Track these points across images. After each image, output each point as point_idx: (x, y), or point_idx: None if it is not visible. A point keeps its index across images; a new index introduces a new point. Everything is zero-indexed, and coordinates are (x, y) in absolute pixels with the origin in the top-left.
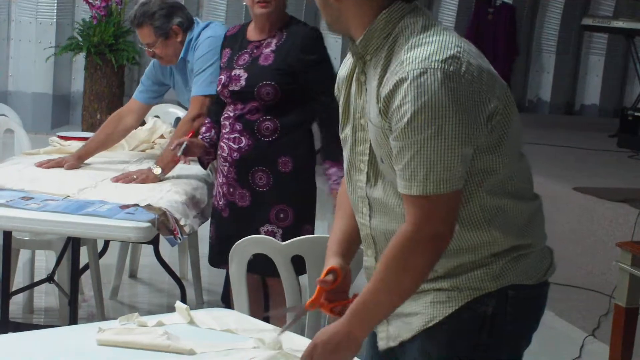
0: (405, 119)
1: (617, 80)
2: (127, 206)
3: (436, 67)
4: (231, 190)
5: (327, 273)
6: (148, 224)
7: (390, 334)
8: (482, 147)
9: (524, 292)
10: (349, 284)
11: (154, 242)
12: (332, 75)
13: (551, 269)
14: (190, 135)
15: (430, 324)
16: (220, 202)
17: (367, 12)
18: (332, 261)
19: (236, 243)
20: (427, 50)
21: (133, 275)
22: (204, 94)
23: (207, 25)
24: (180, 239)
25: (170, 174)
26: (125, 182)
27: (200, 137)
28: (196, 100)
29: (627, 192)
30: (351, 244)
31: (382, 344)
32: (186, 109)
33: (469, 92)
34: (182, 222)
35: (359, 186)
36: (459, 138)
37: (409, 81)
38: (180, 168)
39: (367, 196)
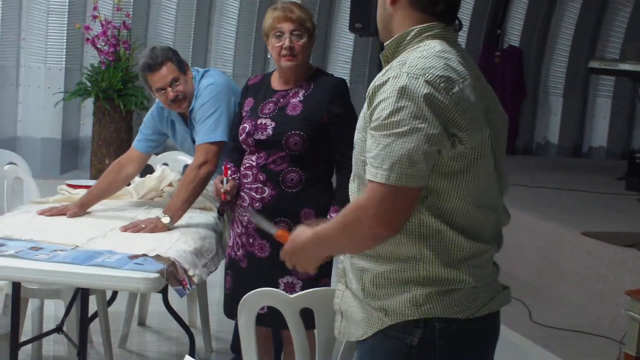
0: (386, 113)
1: (625, 122)
2: (136, 256)
3: (430, 79)
4: (251, 240)
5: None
6: (157, 275)
7: (341, 329)
8: (439, 167)
9: (455, 326)
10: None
11: (163, 290)
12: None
13: (491, 303)
14: (225, 171)
15: (362, 338)
16: (238, 253)
17: (410, 23)
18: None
19: (245, 296)
20: (431, 64)
21: (142, 323)
22: (209, 141)
23: (206, 72)
24: (189, 290)
25: (178, 223)
26: (134, 231)
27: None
28: (202, 148)
29: (636, 237)
30: None
31: (336, 332)
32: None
33: (448, 110)
34: (190, 273)
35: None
36: (428, 141)
37: (401, 80)
38: (189, 217)
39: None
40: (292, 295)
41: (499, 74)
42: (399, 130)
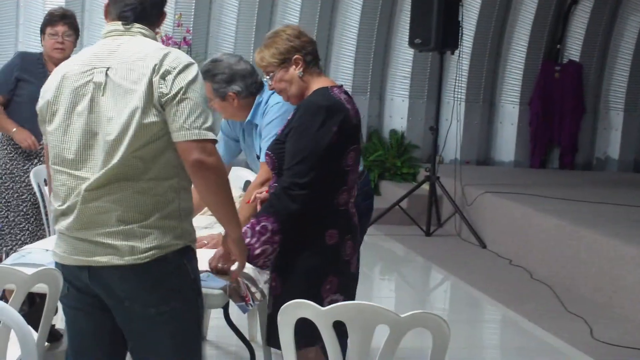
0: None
1: None
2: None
3: None
4: None
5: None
6: (220, 291)
7: None
8: None
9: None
10: None
11: (224, 305)
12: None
13: None
14: (267, 192)
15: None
16: None
17: None
18: None
19: (282, 307)
20: None
21: (202, 337)
22: None
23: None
24: (251, 306)
25: None
26: (197, 247)
27: None
28: (266, 165)
29: None
30: None
31: None
32: (255, 171)
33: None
34: (252, 290)
35: None
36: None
37: None
38: None
39: None
40: (324, 308)
41: (558, 89)
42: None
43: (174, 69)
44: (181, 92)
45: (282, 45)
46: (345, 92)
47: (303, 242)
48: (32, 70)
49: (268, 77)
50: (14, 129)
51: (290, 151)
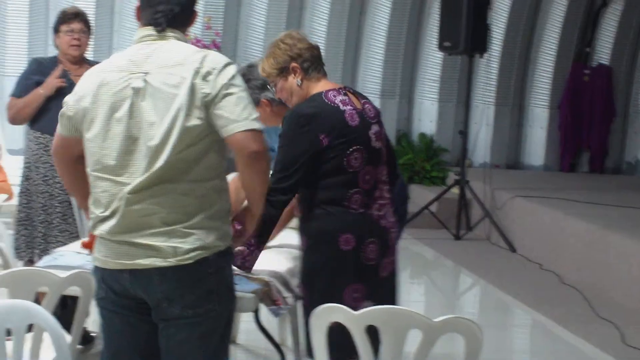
0: None
1: None
2: None
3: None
4: None
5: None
6: (252, 295)
7: None
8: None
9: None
10: None
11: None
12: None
13: None
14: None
15: None
16: None
17: None
18: None
19: (314, 311)
20: None
21: (232, 340)
22: None
23: None
24: (283, 310)
25: (271, 243)
26: None
27: None
28: None
29: None
30: None
31: None
32: None
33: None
34: (284, 294)
35: None
36: None
37: None
38: (281, 237)
39: None
40: (356, 312)
41: (588, 93)
42: None
43: (214, 69)
44: (225, 88)
45: (279, 55)
46: (346, 94)
47: (317, 249)
48: (50, 72)
49: (273, 87)
50: (41, 91)
51: (275, 158)
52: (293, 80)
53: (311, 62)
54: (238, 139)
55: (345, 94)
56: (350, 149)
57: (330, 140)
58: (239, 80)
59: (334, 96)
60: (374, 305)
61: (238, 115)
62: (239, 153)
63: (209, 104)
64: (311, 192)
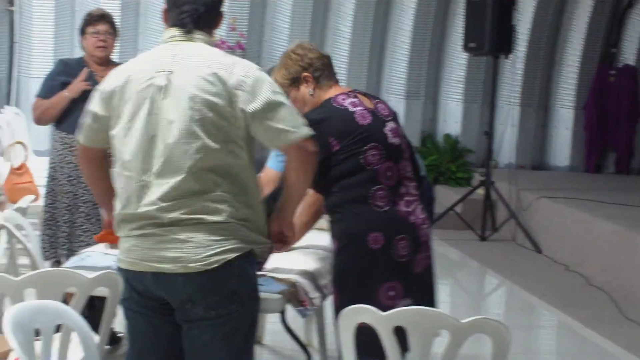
0: None
1: None
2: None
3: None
4: None
5: None
6: (278, 296)
7: None
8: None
9: None
10: None
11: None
12: None
13: None
14: None
15: None
16: None
17: None
18: None
19: (341, 312)
20: None
21: (258, 341)
22: None
23: None
24: (310, 311)
25: (299, 244)
26: None
27: None
28: None
29: None
30: None
31: None
32: None
33: None
34: (311, 295)
35: None
36: None
37: None
38: (308, 237)
39: None
40: (384, 313)
41: (613, 93)
42: None
43: (246, 81)
44: (269, 100)
45: (291, 66)
46: (356, 96)
47: (347, 250)
48: (76, 74)
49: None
50: (66, 93)
51: None
52: (305, 90)
53: (322, 70)
54: (300, 145)
55: (355, 96)
56: (366, 147)
57: (341, 143)
58: (277, 87)
59: (343, 99)
60: (412, 303)
61: (294, 124)
62: (296, 157)
63: (254, 117)
64: (334, 195)
